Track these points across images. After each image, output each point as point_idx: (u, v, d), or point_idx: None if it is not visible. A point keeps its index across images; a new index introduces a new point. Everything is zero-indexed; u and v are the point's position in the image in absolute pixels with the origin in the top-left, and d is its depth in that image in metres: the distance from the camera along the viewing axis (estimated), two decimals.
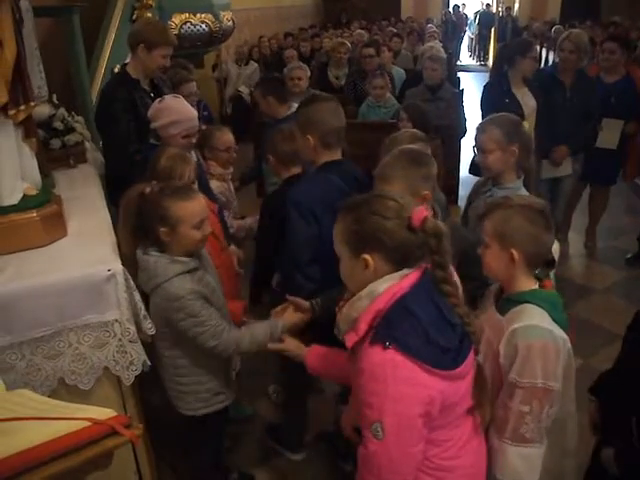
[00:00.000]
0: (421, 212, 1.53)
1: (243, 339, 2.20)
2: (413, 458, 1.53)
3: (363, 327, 1.52)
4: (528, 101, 4.33)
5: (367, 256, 1.53)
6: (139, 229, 2.17)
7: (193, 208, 2.12)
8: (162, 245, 2.14)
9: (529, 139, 2.76)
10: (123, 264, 2.10)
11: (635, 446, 1.88)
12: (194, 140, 3.07)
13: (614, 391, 2.03)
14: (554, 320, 1.75)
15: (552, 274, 1.99)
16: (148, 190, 2.15)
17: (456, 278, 1.72)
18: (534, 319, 1.73)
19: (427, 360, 1.45)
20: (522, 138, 2.68)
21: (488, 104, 4.39)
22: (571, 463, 1.95)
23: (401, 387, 1.44)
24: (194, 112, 3.06)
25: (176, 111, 2.96)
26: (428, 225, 1.51)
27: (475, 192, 2.95)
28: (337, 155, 2.52)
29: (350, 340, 1.55)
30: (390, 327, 1.48)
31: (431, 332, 1.47)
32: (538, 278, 1.86)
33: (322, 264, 2.33)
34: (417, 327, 1.47)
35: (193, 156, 3.05)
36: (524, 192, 2.62)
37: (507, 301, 1.84)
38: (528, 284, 1.82)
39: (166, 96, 3.10)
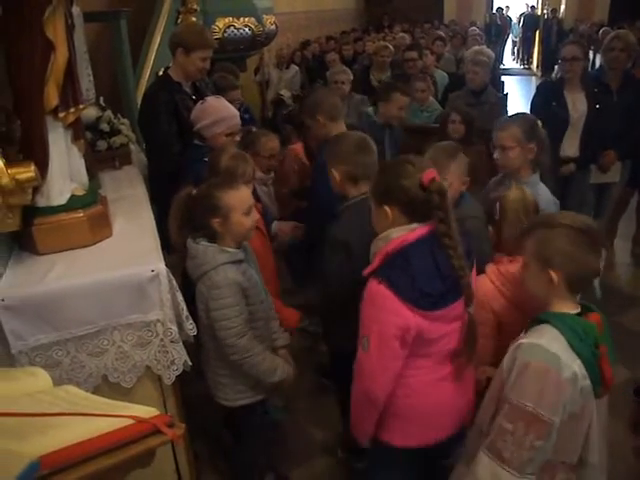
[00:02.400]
0: (430, 174, 1.85)
1: (256, 354, 2.27)
2: (389, 371, 1.88)
3: (377, 262, 1.87)
4: (579, 106, 4.22)
5: (387, 207, 1.89)
6: (189, 225, 2.26)
7: (242, 195, 2.24)
8: (214, 237, 2.23)
9: (545, 137, 2.96)
10: (169, 256, 2.14)
11: None
12: (238, 138, 3.12)
13: None
14: (574, 349, 1.63)
15: (596, 283, 1.92)
16: (195, 192, 2.25)
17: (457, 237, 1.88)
18: (542, 339, 1.65)
19: (408, 299, 1.79)
20: (539, 136, 2.90)
21: (536, 106, 4.32)
22: None
23: (385, 314, 1.81)
24: (235, 110, 3.13)
25: (218, 110, 3.03)
26: (434, 185, 1.83)
27: (494, 188, 3.04)
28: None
29: (366, 271, 1.88)
30: (388, 267, 1.82)
31: (417, 279, 1.80)
32: (587, 308, 1.75)
33: None
34: (407, 273, 1.80)
35: None
36: (542, 186, 2.87)
37: (533, 321, 1.77)
38: (563, 307, 1.73)
39: (207, 97, 3.16)
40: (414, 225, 1.87)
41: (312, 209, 3.12)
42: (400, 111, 4.03)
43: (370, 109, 4.49)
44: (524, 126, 2.88)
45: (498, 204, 2.27)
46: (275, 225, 3.32)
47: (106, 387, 2.14)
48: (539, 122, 2.96)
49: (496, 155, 2.94)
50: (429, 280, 1.82)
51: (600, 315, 1.75)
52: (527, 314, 1.87)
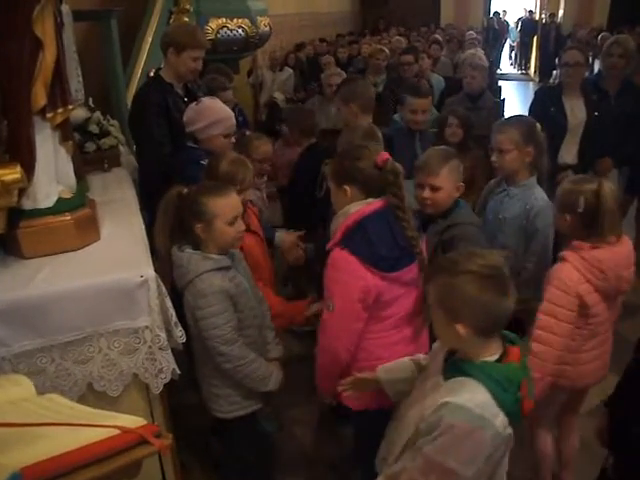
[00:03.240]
0: (384, 155, 2.16)
1: (249, 362, 2.27)
2: (352, 331, 2.14)
3: (338, 236, 2.13)
4: (578, 113, 4.23)
5: (346, 187, 2.17)
6: (177, 227, 2.25)
7: (228, 204, 2.22)
8: (198, 243, 2.22)
9: (543, 140, 2.97)
10: (157, 262, 2.14)
11: (634, 457, 1.88)
12: (233, 140, 3.13)
13: (619, 402, 2.02)
14: (498, 402, 1.58)
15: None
16: (186, 191, 2.24)
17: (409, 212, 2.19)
18: (468, 398, 1.58)
19: (368, 262, 2.06)
20: (537, 139, 2.91)
21: (534, 111, 4.34)
22: None
23: (347, 276, 2.07)
24: (231, 111, 3.14)
25: (214, 111, 3.03)
26: (388, 165, 2.14)
27: (489, 192, 3.10)
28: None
29: (330, 244, 2.15)
30: (349, 238, 2.10)
31: (375, 243, 2.08)
32: (510, 341, 1.69)
33: None
34: (366, 239, 2.08)
35: None
36: (538, 190, 2.91)
37: (453, 365, 1.70)
38: (482, 352, 1.65)
39: (202, 98, 3.16)
40: (370, 200, 2.16)
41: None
42: (414, 114, 3.90)
43: (397, 115, 4.46)
44: (522, 129, 2.90)
45: (582, 198, 2.32)
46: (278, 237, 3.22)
47: (91, 396, 2.12)
48: (538, 125, 2.98)
49: (494, 158, 2.96)
50: (385, 245, 2.09)
51: (520, 346, 1.69)
52: (611, 300, 2.28)
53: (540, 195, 2.91)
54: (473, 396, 1.58)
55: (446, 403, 1.60)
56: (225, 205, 2.21)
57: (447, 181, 2.58)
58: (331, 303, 2.11)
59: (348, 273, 2.06)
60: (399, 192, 2.14)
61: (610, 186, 2.36)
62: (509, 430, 1.61)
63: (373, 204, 2.15)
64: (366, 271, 2.06)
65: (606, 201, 2.30)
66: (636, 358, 1.98)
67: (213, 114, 3.01)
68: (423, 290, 2.12)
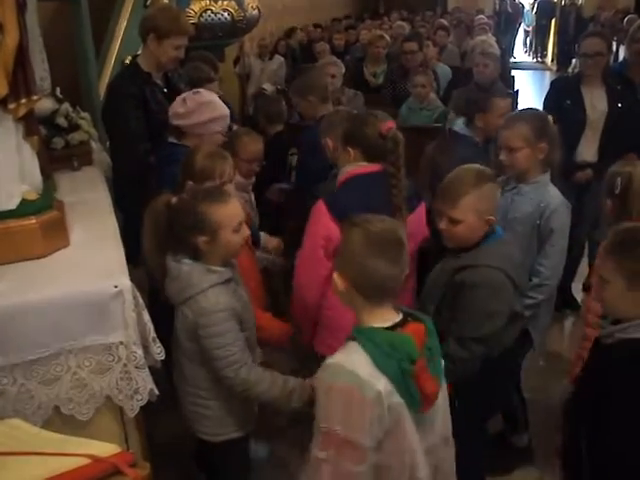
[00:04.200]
0: (389, 124, 2.60)
1: (260, 383, 2.25)
2: (315, 278, 2.55)
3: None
4: (597, 104, 4.26)
5: (350, 149, 2.65)
6: (169, 241, 2.26)
7: (231, 210, 2.25)
8: (197, 254, 2.23)
9: (557, 134, 2.97)
10: (135, 271, 2.13)
11: (584, 470, 2.06)
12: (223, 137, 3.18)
13: (570, 416, 2.26)
14: (379, 366, 1.69)
15: None
16: (175, 200, 2.24)
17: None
18: (346, 358, 1.74)
19: (335, 214, 2.45)
20: (550, 133, 2.92)
21: (549, 104, 4.35)
22: None
23: (315, 226, 2.54)
24: (226, 107, 3.19)
25: (218, 106, 3.09)
26: (391, 133, 2.56)
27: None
28: None
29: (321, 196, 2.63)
30: (337, 191, 2.60)
31: (352, 200, 2.43)
32: (412, 317, 1.83)
33: None
34: (346, 194, 2.54)
35: None
36: (552, 187, 2.94)
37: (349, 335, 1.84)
38: (370, 318, 1.80)
39: (200, 89, 3.17)
40: (365, 163, 2.62)
41: (302, 190, 3.56)
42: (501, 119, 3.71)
43: (460, 121, 4.10)
44: (533, 123, 2.89)
45: (619, 179, 2.51)
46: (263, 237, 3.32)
47: (58, 420, 2.10)
48: (550, 117, 3.01)
49: (502, 157, 2.95)
50: (362, 205, 2.18)
51: (424, 324, 1.82)
52: None
53: (555, 192, 2.93)
54: (348, 356, 1.74)
55: (324, 364, 1.78)
56: (229, 213, 2.22)
57: (469, 213, 2.35)
58: (301, 251, 2.62)
59: (316, 223, 2.54)
60: (397, 161, 2.55)
61: None
62: (398, 399, 1.72)
63: (368, 167, 2.62)
64: (331, 221, 2.47)
65: (636, 183, 2.41)
66: (583, 371, 2.24)
67: (216, 109, 3.07)
68: None
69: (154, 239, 2.26)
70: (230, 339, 2.19)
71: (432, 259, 2.67)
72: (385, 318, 1.80)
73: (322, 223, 2.51)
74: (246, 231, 2.31)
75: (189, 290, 2.19)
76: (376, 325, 1.78)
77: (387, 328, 1.77)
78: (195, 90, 3.17)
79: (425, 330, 1.81)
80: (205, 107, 3.04)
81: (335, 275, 1.82)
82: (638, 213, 2.47)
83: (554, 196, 2.91)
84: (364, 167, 2.61)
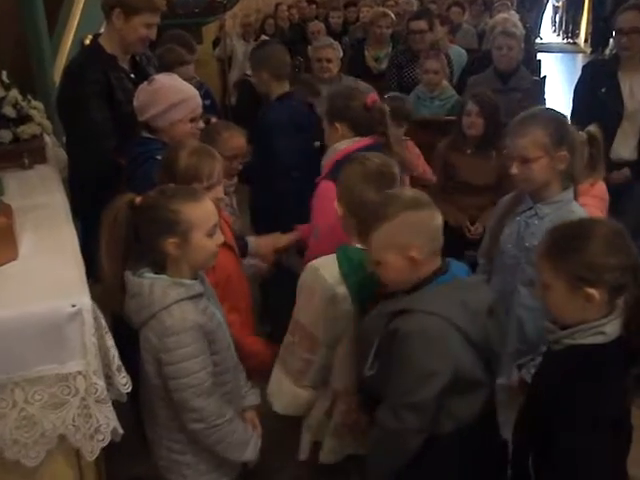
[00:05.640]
0: (373, 96, 3.18)
1: (227, 422, 2.29)
2: None
3: (326, 169, 3.05)
4: (637, 92, 4.24)
5: (337, 124, 3.10)
6: (131, 250, 2.24)
7: (206, 210, 2.25)
8: (161, 266, 2.23)
9: (577, 138, 2.88)
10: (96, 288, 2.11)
11: None
12: (201, 124, 3.16)
13: (517, 430, 2.32)
14: (342, 274, 2.38)
15: None
16: (139, 199, 2.23)
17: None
18: (321, 263, 2.46)
19: None
20: (571, 137, 2.79)
21: (580, 93, 4.36)
22: None
23: (326, 202, 2.74)
24: (194, 89, 3.16)
25: (175, 90, 3.05)
26: (376, 105, 3.11)
27: (505, 214, 2.95)
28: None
29: (319, 178, 3.05)
30: (336, 169, 2.78)
31: None
32: None
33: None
34: None
35: None
36: (576, 206, 2.79)
37: None
38: (357, 240, 2.46)
39: (156, 76, 3.15)
40: (357, 139, 3.05)
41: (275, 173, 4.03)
42: None
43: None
44: (550, 126, 2.73)
45: None
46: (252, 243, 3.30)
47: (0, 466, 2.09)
48: (568, 117, 2.90)
49: (514, 170, 2.78)
50: None
51: None
52: None
53: (581, 212, 2.76)
54: (324, 262, 2.46)
55: (306, 266, 2.53)
56: (203, 212, 2.23)
57: (383, 252, 2.20)
58: (317, 231, 2.92)
59: (329, 200, 2.67)
60: (386, 130, 3.08)
61: None
62: (349, 306, 2.39)
63: (362, 141, 3.03)
64: None
65: None
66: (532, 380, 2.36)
67: (173, 94, 3.01)
68: None
69: (113, 248, 2.23)
70: (200, 364, 2.19)
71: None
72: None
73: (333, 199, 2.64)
74: (220, 237, 2.32)
75: (151, 307, 2.17)
76: (358, 246, 2.43)
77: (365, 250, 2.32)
78: (151, 78, 3.15)
79: None
80: (159, 95, 3.01)
81: (336, 202, 2.53)
82: None
83: (581, 216, 2.61)
84: (359, 142, 3.03)
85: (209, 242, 2.24)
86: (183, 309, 2.17)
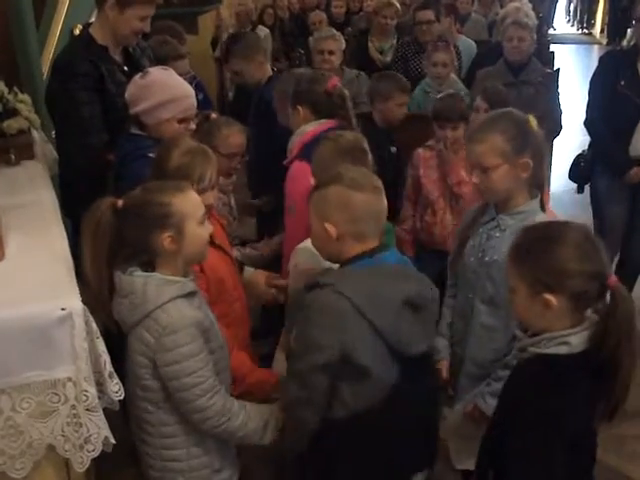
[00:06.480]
0: (333, 81, 3.42)
1: (236, 412, 2.31)
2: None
3: (295, 152, 3.30)
4: None
5: (300, 107, 3.37)
6: (116, 253, 2.25)
7: (194, 198, 2.32)
8: (152, 263, 2.26)
9: (541, 142, 2.77)
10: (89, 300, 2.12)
11: None
12: (193, 126, 3.14)
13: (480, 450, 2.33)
14: None
15: None
16: (121, 202, 2.24)
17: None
18: (309, 242, 2.54)
19: None
20: (534, 143, 2.69)
21: (597, 86, 4.35)
22: None
23: (306, 182, 2.79)
24: (190, 88, 3.16)
25: (167, 87, 3.05)
26: (336, 90, 3.37)
27: (470, 225, 2.90)
28: None
29: (287, 161, 3.33)
30: (306, 150, 3.11)
31: None
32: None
33: None
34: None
35: None
36: (542, 217, 2.69)
37: None
38: None
39: (150, 69, 3.15)
40: (323, 120, 3.30)
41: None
42: None
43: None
44: (510, 131, 2.66)
45: None
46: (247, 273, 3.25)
47: None
48: (531, 119, 2.75)
49: (475, 179, 2.73)
50: None
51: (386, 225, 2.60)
52: None
53: None
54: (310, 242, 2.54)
55: (295, 248, 2.87)
56: (192, 201, 2.29)
57: (311, 216, 2.42)
58: (293, 208, 3.13)
59: (306, 180, 2.82)
60: (347, 114, 3.39)
61: None
62: None
63: (326, 123, 3.29)
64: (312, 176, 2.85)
65: None
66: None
67: (164, 90, 3.02)
68: None
69: (99, 255, 2.24)
70: (202, 362, 2.21)
71: None
72: None
73: (306, 179, 2.85)
74: (209, 226, 2.38)
75: (145, 306, 2.18)
76: None
77: None
78: (146, 70, 3.16)
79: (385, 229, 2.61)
80: (149, 90, 3.02)
81: (311, 180, 2.70)
82: None
83: None
84: (321, 124, 3.29)
85: (202, 230, 2.30)
86: (179, 307, 2.20)
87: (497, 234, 2.74)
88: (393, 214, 3.41)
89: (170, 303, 2.19)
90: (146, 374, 2.25)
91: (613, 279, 1.98)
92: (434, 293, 2.38)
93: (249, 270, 3.23)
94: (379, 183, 2.38)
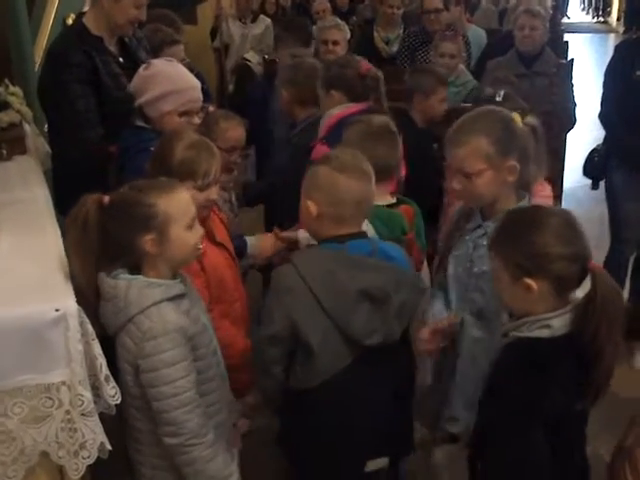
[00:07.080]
0: (366, 64, 3.68)
1: (206, 443, 2.25)
2: None
3: (321, 133, 3.51)
4: None
5: (333, 92, 3.60)
6: (102, 253, 2.24)
7: (183, 200, 2.28)
8: (138, 264, 2.25)
9: (526, 142, 2.60)
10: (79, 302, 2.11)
11: None
12: (197, 120, 3.15)
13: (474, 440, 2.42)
14: (376, 230, 2.73)
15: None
16: (108, 198, 2.23)
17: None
18: None
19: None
20: (520, 143, 2.55)
21: (612, 76, 4.35)
22: None
23: None
24: (196, 80, 3.17)
25: (169, 79, 3.06)
26: (371, 72, 3.64)
27: (455, 231, 2.80)
28: None
29: (316, 141, 3.49)
30: (330, 133, 3.34)
31: None
32: (402, 202, 3.12)
33: None
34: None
35: None
36: None
37: None
38: (377, 200, 2.64)
39: (155, 60, 3.15)
40: (350, 104, 3.53)
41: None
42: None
43: None
44: (494, 132, 2.50)
45: None
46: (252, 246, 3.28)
47: None
48: (515, 117, 2.61)
49: (456, 185, 2.58)
50: None
51: (412, 208, 3.15)
52: None
53: None
54: None
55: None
56: (180, 203, 2.25)
57: (302, 193, 2.56)
58: None
59: None
60: (380, 98, 3.63)
61: None
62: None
63: (354, 107, 3.50)
64: None
65: None
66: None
67: (165, 83, 3.04)
68: None
69: (86, 253, 2.23)
70: (183, 371, 2.18)
71: None
72: (383, 199, 2.96)
73: None
74: (200, 230, 2.34)
75: (128, 310, 2.17)
76: (377, 203, 2.68)
77: (386, 206, 2.99)
78: (149, 62, 3.18)
79: (413, 212, 3.17)
80: (152, 81, 3.05)
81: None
82: None
83: None
84: (351, 107, 3.51)
85: (189, 235, 2.26)
86: (162, 311, 2.18)
87: (484, 242, 2.53)
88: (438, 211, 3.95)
89: (154, 307, 2.17)
90: (130, 381, 2.24)
91: (595, 263, 2.07)
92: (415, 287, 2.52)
93: (253, 240, 3.29)
94: (369, 169, 2.46)
